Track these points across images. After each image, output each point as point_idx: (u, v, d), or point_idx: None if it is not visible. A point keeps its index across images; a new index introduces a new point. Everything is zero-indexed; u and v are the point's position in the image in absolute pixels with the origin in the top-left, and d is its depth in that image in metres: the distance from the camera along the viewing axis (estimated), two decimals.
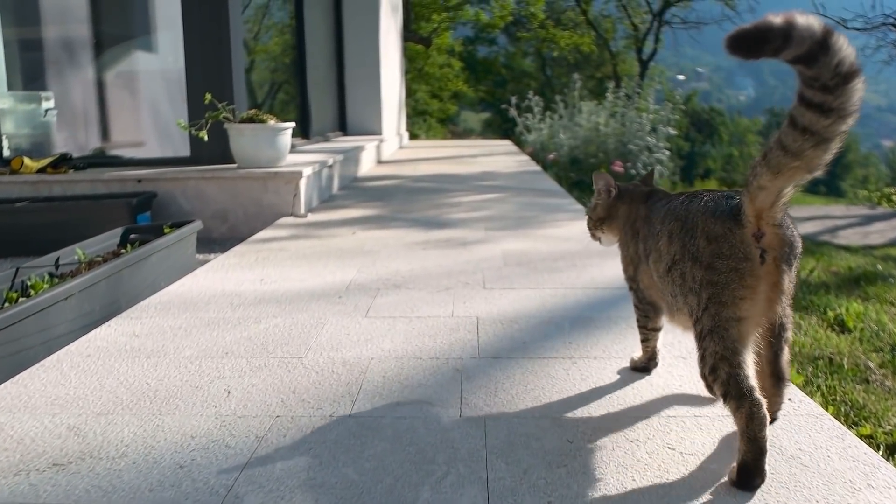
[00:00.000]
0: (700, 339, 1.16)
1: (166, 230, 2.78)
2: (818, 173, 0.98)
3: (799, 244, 1.13)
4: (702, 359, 1.16)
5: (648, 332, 1.54)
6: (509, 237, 3.31)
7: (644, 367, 1.59)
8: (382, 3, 8.91)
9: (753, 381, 1.11)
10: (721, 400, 1.13)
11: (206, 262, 3.32)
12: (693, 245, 1.16)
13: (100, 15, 5.25)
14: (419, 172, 6.62)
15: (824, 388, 2.13)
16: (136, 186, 4.03)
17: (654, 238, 1.30)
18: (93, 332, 1.98)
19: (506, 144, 11.34)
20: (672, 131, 7.97)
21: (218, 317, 2.10)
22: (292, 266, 2.78)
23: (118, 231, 2.87)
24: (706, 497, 1.10)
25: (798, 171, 0.99)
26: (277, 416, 1.42)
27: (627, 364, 1.65)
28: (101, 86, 5.24)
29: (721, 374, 1.11)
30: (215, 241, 3.97)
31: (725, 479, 1.14)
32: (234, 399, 1.51)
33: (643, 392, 1.50)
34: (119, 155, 4.99)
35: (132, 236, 2.86)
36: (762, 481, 1.11)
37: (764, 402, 1.09)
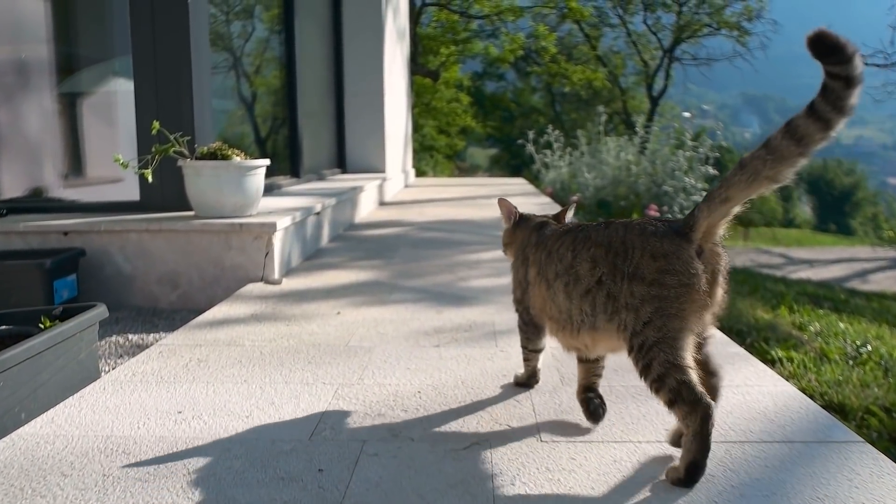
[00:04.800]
0: (641, 350, 1.21)
1: (45, 323, 1.82)
2: (776, 186, 1.15)
3: (728, 260, 1.24)
4: (647, 368, 1.21)
5: (530, 353, 1.64)
6: None
7: (525, 383, 1.69)
8: (387, 25, 8.07)
9: (700, 385, 1.18)
10: (667, 406, 1.19)
11: (141, 348, 2.37)
12: (630, 265, 1.22)
13: (50, 36, 4.39)
14: (427, 217, 5.68)
15: None
16: (61, 241, 3.10)
17: (561, 262, 1.36)
18: None
19: (520, 183, 10.42)
20: (712, 170, 7.03)
21: None
22: (237, 379, 1.82)
23: None
24: None
25: (768, 181, 1.14)
26: None
27: None
28: (44, 116, 4.36)
29: (670, 382, 1.18)
30: (161, 314, 3.02)
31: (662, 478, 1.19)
32: None
33: None
34: (60, 198, 4.07)
35: (2, 328, 1.92)
36: (702, 476, 1.18)
37: (713, 403, 1.17)
